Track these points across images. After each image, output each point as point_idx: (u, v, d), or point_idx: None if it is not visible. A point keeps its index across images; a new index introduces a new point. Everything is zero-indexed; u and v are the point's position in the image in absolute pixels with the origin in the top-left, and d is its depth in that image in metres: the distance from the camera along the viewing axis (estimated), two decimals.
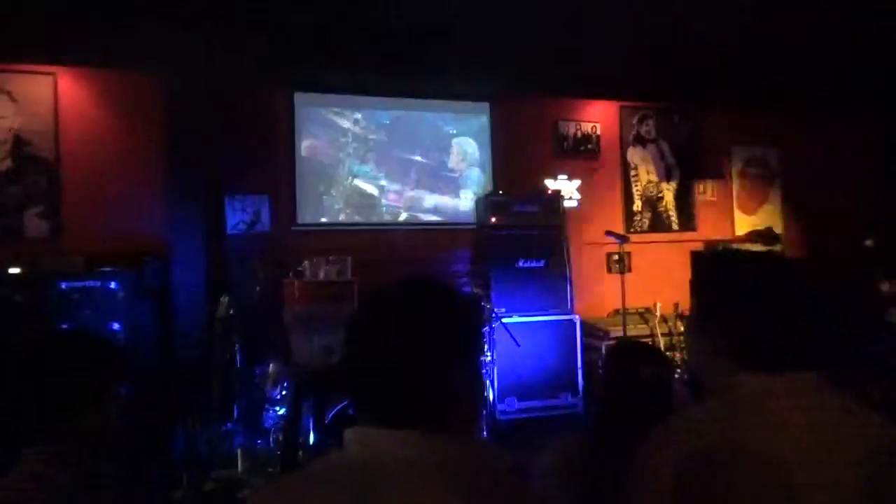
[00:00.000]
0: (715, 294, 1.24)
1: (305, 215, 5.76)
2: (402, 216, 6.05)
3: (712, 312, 1.23)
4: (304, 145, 5.80)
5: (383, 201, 6.01)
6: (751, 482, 1.05)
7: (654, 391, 1.72)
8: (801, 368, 1.14)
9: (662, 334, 5.65)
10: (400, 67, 5.63)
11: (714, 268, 1.31)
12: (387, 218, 6.01)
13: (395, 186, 6.04)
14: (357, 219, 5.92)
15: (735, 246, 6.46)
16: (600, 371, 1.88)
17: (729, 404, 1.13)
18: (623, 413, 1.71)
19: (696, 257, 5.99)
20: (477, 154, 6.30)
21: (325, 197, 5.84)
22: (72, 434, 1.36)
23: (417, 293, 0.99)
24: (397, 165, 6.05)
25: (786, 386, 1.12)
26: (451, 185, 6.22)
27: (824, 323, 1.53)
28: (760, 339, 1.16)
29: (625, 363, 1.81)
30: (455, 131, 6.26)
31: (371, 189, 5.97)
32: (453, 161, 6.23)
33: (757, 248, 6.20)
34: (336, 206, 5.87)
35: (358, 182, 5.94)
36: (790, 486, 1.04)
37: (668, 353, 5.18)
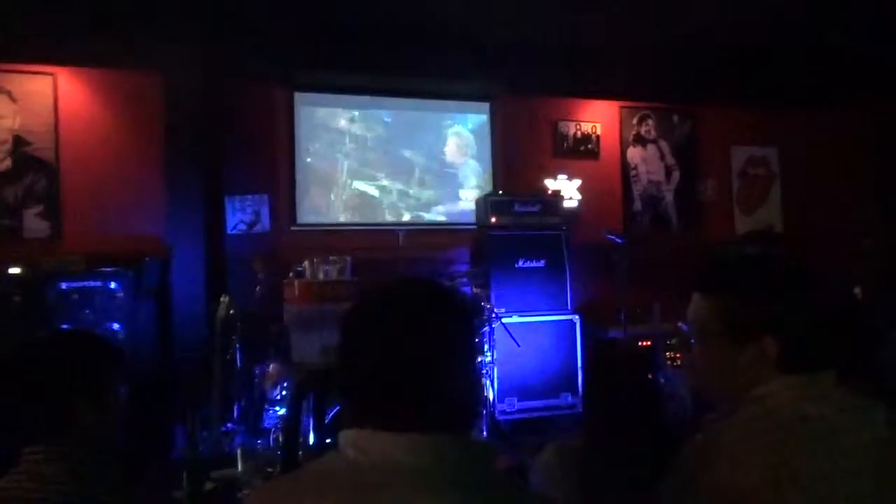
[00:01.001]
0: (765, 298, 1.16)
1: (305, 215, 5.76)
2: (405, 216, 6.04)
3: (760, 317, 1.14)
4: (304, 145, 5.80)
5: (385, 202, 6.01)
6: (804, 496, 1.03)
7: (639, 400, 1.72)
8: (828, 368, 1.14)
9: (662, 335, 5.63)
10: (400, 67, 5.63)
11: (756, 270, 1.24)
12: (389, 218, 6.00)
13: (397, 186, 6.04)
14: (357, 219, 5.92)
15: (735, 248, 6.43)
16: (590, 378, 1.87)
17: (767, 412, 1.11)
18: (613, 419, 1.70)
19: (721, 261, 5.87)
20: (474, 146, 6.29)
21: (324, 198, 5.84)
22: (72, 434, 1.36)
23: (413, 294, 0.98)
24: (397, 164, 6.05)
25: (819, 385, 1.13)
26: (452, 183, 6.22)
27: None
28: (809, 340, 1.14)
29: (610, 374, 1.81)
30: (452, 124, 6.25)
31: (372, 191, 5.97)
32: (450, 154, 6.22)
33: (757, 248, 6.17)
34: (337, 207, 5.87)
35: (358, 185, 5.93)
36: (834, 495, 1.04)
37: (668, 355, 5.18)
